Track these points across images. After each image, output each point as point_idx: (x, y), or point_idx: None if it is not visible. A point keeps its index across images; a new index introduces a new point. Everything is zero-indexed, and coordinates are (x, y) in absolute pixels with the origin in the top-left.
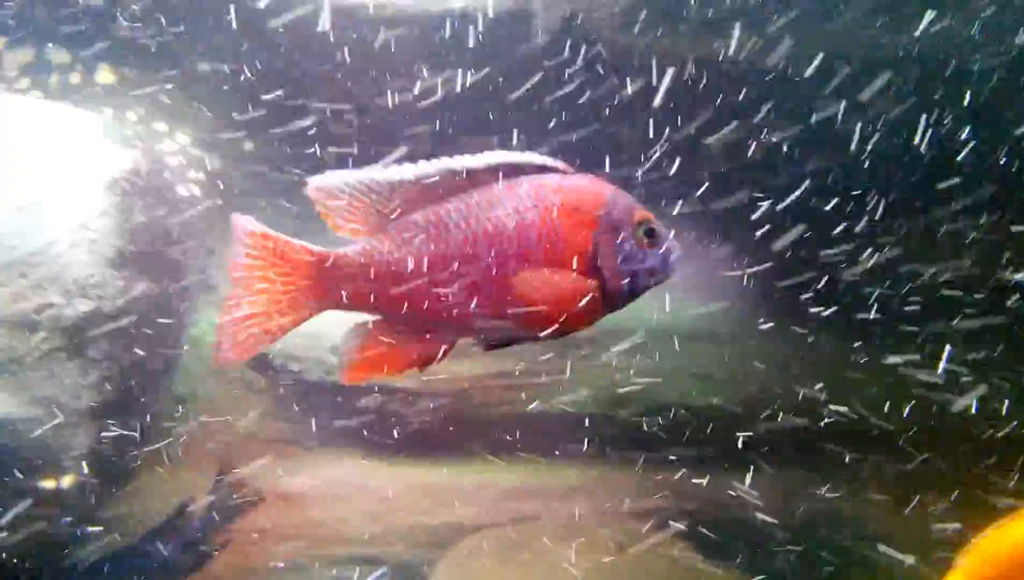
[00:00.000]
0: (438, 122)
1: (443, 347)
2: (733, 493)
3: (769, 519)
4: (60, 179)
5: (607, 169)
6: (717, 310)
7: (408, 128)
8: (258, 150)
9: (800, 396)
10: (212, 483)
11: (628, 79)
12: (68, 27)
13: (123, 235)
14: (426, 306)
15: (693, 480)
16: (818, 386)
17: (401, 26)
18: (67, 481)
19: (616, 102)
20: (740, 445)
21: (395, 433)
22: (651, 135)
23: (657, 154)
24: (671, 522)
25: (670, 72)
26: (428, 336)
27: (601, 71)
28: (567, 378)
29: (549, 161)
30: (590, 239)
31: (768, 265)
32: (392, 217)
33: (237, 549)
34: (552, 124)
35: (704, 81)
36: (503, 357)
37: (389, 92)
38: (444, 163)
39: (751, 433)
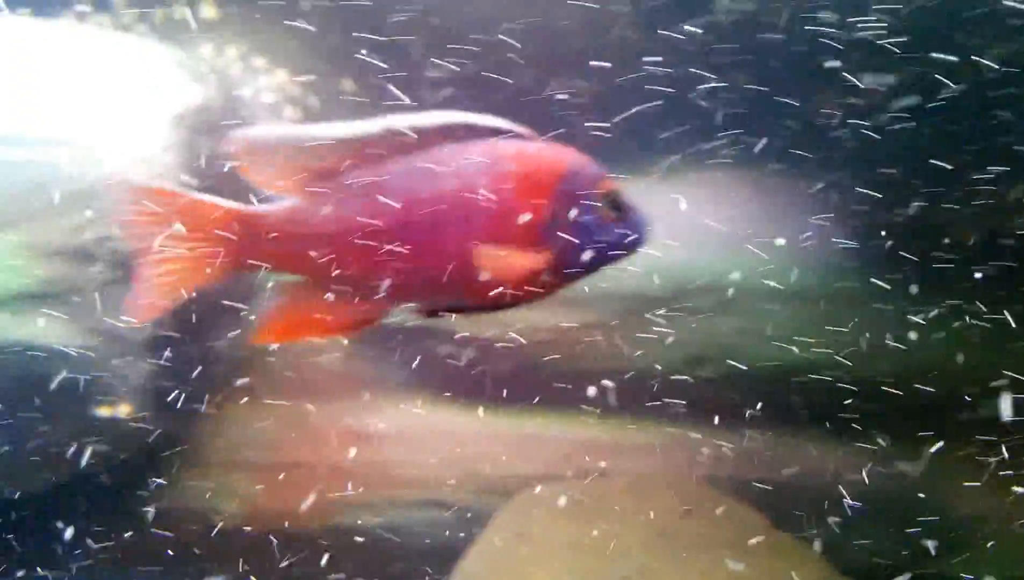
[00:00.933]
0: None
1: (374, 313)
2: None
3: (849, 498)
4: (129, 114)
5: None
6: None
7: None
8: (359, 91)
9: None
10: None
11: None
12: None
13: (187, 170)
14: (357, 271)
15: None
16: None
17: None
18: (124, 411)
19: None
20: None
21: (474, 381)
22: None
23: None
24: (742, 488)
25: None
26: (358, 301)
27: None
28: (648, 335)
29: (508, 125)
30: (545, 209)
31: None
32: (327, 176)
33: (310, 484)
34: None
35: None
36: (583, 309)
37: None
38: (389, 121)
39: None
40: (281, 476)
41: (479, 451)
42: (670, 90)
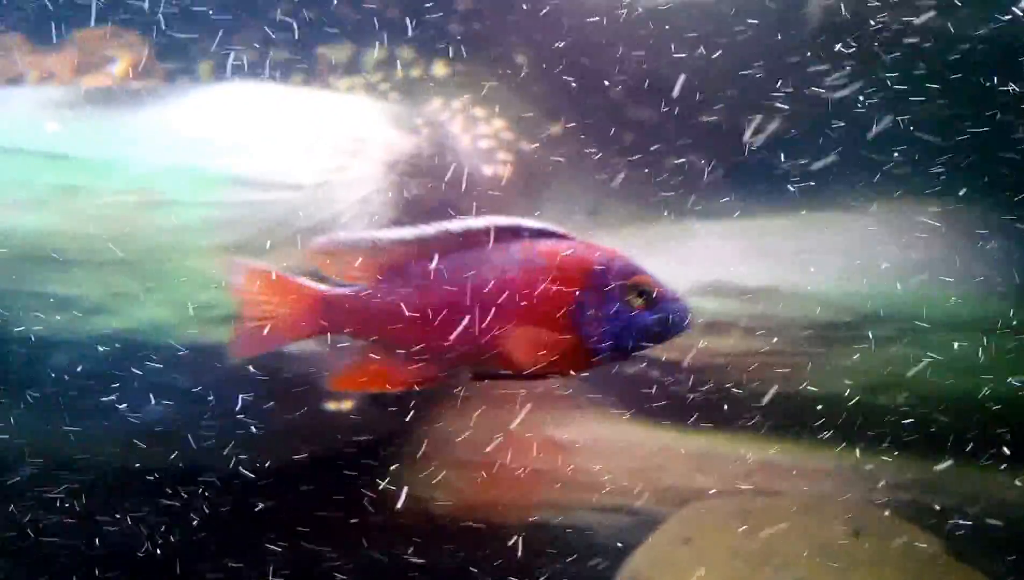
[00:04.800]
0: None
1: (431, 376)
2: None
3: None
4: (357, 166)
5: None
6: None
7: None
8: (566, 137)
9: None
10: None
11: None
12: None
13: (398, 208)
14: (414, 342)
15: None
16: None
17: None
18: (347, 406)
19: None
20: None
21: (659, 400)
22: None
23: None
24: (919, 516)
25: None
26: (419, 365)
27: None
28: (826, 362)
29: (548, 226)
30: (573, 299)
31: None
32: (389, 268)
33: (507, 485)
34: None
35: None
36: (759, 338)
37: None
38: (442, 225)
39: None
40: (487, 474)
41: (662, 463)
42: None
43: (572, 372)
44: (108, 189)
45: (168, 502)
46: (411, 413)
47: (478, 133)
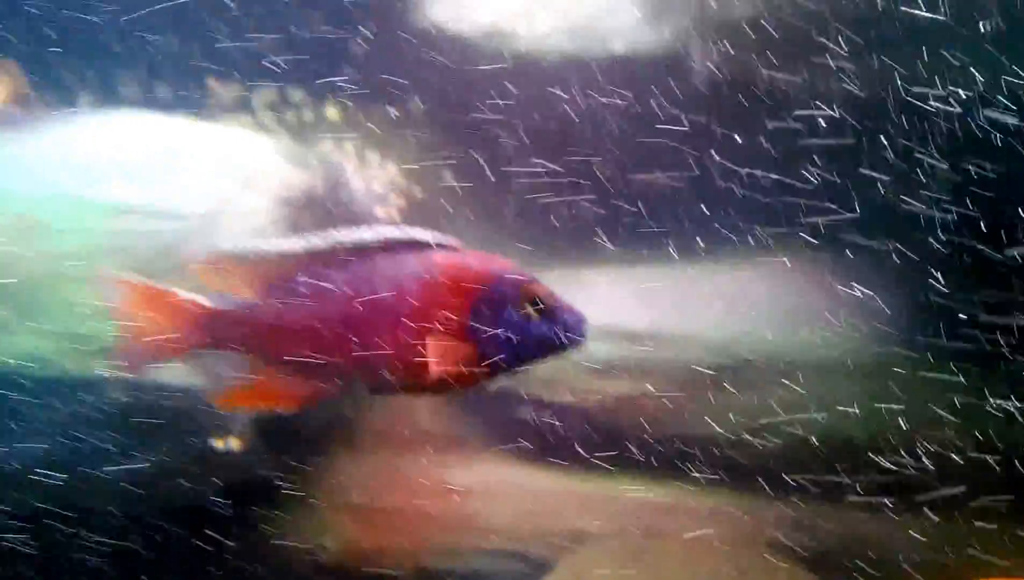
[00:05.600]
0: None
1: (323, 390)
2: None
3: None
4: (247, 198)
5: None
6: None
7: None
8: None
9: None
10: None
11: None
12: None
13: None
14: (305, 358)
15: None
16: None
17: None
18: (236, 445)
19: None
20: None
21: (546, 442)
22: None
23: None
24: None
25: None
26: (312, 381)
27: None
28: (705, 403)
29: (440, 238)
30: (468, 309)
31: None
32: (277, 281)
33: (397, 528)
34: None
35: None
36: (643, 379)
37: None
38: (332, 235)
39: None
40: (375, 520)
41: (553, 506)
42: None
43: (469, 384)
44: None
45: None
46: (300, 453)
47: (370, 176)
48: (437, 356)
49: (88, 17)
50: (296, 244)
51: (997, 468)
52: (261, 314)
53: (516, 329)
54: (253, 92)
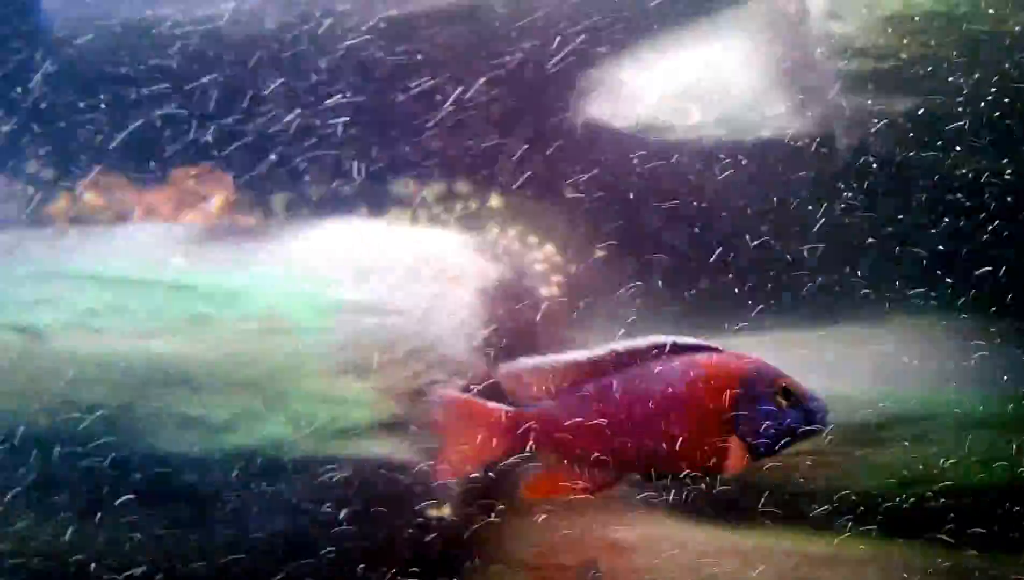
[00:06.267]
0: None
1: (608, 481)
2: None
3: None
4: (454, 292)
5: None
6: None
7: None
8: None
9: None
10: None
11: None
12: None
13: (488, 329)
14: (593, 453)
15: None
16: None
17: None
18: (446, 512)
19: None
20: None
21: (707, 500)
22: None
23: None
24: None
25: None
26: (597, 471)
27: None
28: (853, 461)
29: (702, 342)
30: (728, 405)
31: None
32: (566, 387)
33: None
34: None
35: None
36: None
37: None
38: (610, 345)
39: None
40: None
41: (714, 559)
42: None
43: (733, 471)
44: (233, 317)
45: None
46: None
47: (533, 257)
48: (706, 448)
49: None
50: (581, 354)
51: None
52: (557, 417)
53: (772, 419)
54: (426, 187)
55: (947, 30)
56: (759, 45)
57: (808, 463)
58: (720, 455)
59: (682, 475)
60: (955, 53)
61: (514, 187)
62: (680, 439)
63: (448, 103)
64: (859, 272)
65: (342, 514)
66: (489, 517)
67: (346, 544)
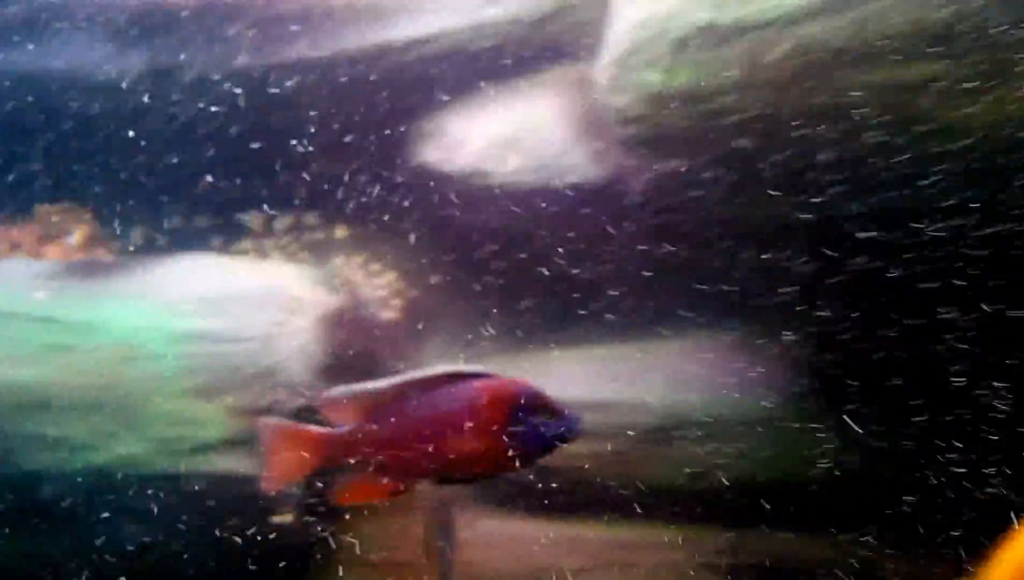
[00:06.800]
0: None
1: (409, 485)
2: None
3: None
4: (294, 321)
5: None
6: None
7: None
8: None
9: None
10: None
11: None
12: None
13: (328, 354)
14: (396, 462)
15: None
16: None
17: None
18: (289, 518)
19: None
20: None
21: (533, 497)
22: None
23: None
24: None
25: None
26: (399, 479)
27: None
28: (649, 457)
29: (479, 369)
30: (504, 422)
31: None
32: (372, 408)
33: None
34: None
35: None
36: (602, 441)
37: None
38: (407, 375)
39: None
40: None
41: (538, 549)
42: None
43: (508, 471)
44: (91, 346)
45: None
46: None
47: (375, 284)
48: (485, 455)
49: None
50: (386, 382)
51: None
52: (363, 434)
53: (537, 431)
54: (276, 219)
55: (696, 106)
56: (564, 105)
57: (613, 461)
58: (498, 461)
59: (471, 478)
60: (701, 124)
61: (358, 220)
62: (465, 449)
63: (298, 143)
64: (653, 295)
65: (194, 524)
66: (332, 523)
67: (200, 551)
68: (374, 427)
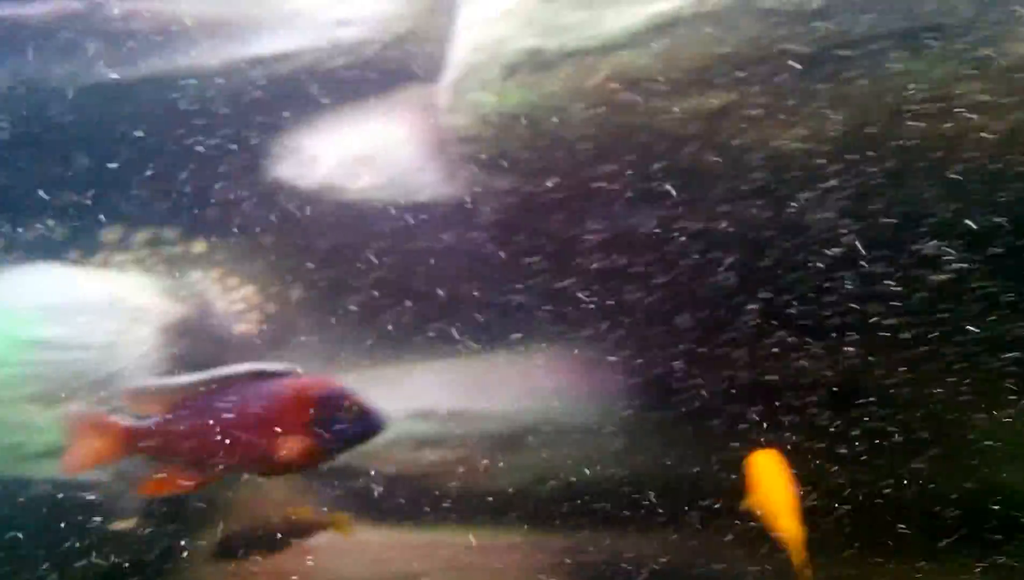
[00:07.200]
0: None
1: (214, 477)
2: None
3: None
4: (136, 330)
5: None
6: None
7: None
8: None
9: None
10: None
11: None
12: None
13: (174, 363)
14: (198, 455)
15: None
16: None
17: None
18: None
19: None
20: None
21: (381, 504)
22: None
23: None
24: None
25: None
26: (206, 471)
27: None
28: (495, 463)
29: (289, 367)
30: (308, 416)
31: None
32: (177, 402)
33: None
34: None
35: None
36: (451, 449)
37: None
38: (212, 371)
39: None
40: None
41: (391, 556)
42: None
43: (312, 465)
44: None
45: None
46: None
47: (232, 298)
48: (290, 450)
49: None
50: (191, 378)
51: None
52: (168, 428)
53: (341, 427)
54: (135, 233)
55: (528, 127)
56: (414, 124)
57: (462, 470)
58: (302, 455)
59: (270, 470)
60: (533, 144)
61: (215, 235)
62: (270, 445)
63: (154, 158)
64: (504, 309)
65: (34, 527)
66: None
67: (40, 555)
68: (178, 420)
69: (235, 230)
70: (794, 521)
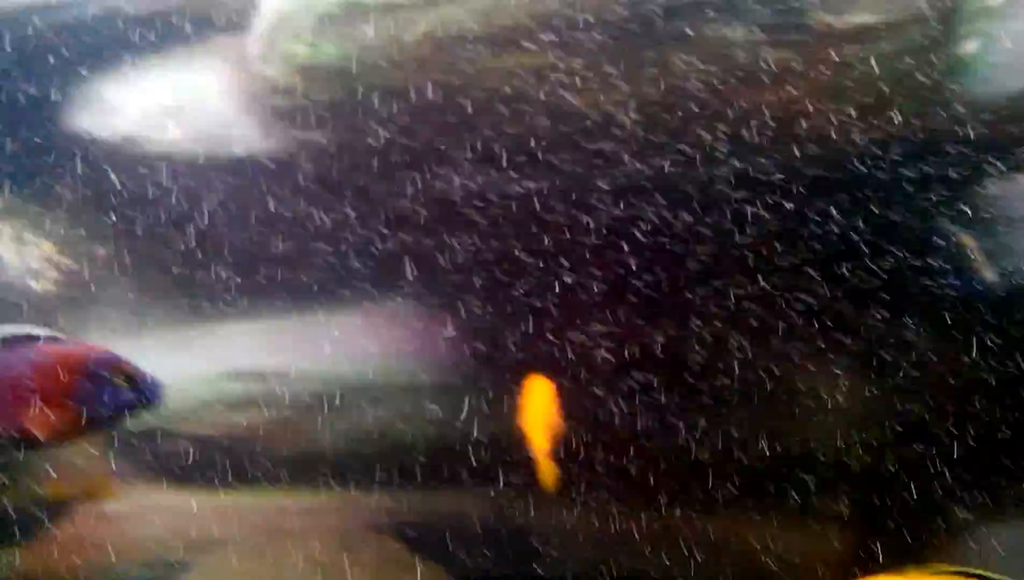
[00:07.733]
0: None
1: None
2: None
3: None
4: None
5: None
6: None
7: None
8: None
9: None
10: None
11: None
12: None
13: None
14: None
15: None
16: None
17: None
18: None
19: None
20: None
21: (192, 468)
22: None
23: None
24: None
25: None
26: None
27: None
28: (312, 424)
29: (53, 333)
30: (76, 385)
31: None
32: None
33: (59, 556)
34: None
35: None
36: (267, 409)
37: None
38: None
39: None
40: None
41: (192, 520)
42: None
43: (81, 438)
44: None
45: None
46: None
47: (28, 254)
48: (56, 420)
49: None
50: None
51: None
52: None
53: (111, 396)
54: None
55: (344, 80)
56: (225, 75)
57: (279, 430)
58: (64, 428)
59: (35, 442)
60: (347, 97)
61: (10, 188)
62: (28, 413)
63: None
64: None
65: None
66: None
67: None
68: None
69: (32, 184)
70: (546, 440)
